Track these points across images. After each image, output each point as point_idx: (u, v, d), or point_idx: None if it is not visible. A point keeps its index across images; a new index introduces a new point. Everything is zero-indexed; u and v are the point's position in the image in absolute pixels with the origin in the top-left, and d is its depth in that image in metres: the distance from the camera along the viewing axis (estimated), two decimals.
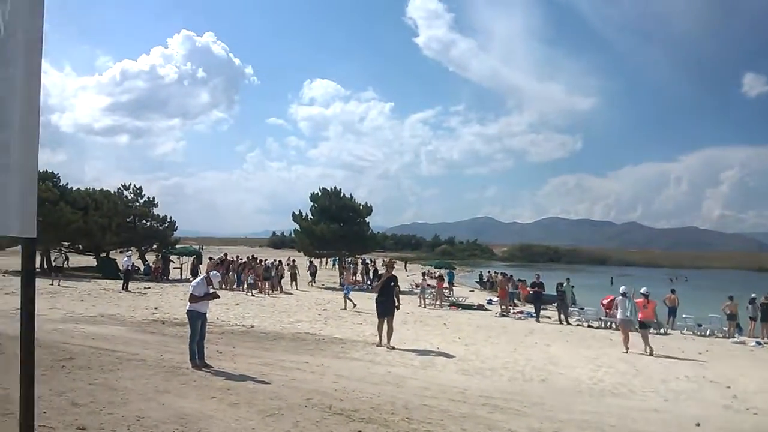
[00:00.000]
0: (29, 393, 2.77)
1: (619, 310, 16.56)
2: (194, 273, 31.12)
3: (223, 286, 28.92)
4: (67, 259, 31.35)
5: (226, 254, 37.69)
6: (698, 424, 8.12)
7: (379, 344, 13.75)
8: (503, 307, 26.68)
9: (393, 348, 13.48)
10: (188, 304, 10.49)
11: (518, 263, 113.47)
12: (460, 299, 31.01)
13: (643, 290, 17.46)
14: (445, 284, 33.51)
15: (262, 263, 32.10)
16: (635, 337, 16.02)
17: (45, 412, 6.56)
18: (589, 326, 23.18)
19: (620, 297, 16.89)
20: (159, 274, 33.73)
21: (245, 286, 29.41)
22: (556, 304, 25.48)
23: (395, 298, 14.09)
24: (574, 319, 24.37)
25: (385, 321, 13.81)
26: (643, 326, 16.19)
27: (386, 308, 13.83)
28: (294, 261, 37.93)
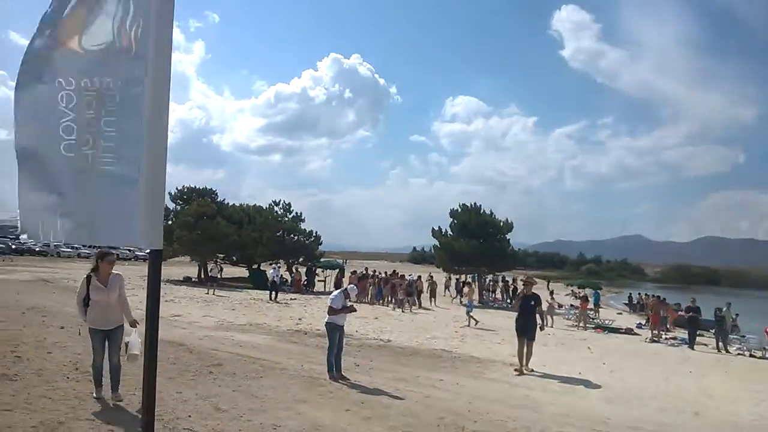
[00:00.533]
0: (150, 399, 2.93)
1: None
2: (337, 286, 32.08)
3: (364, 300, 29.58)
4: (221, 270, 33.52)
5: (366, 269, 38.47)
6: None
7: (519, 370, 12.78)
8: (654, 332, 25.03)
9: (531, 371, 12.78)
10: (327, 316, 10.79)
11: (672, 285, 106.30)
12: (606, 322, 29.51)
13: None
14: (590, 305, 32.06)
15: (404, 279, 32.46)
16: None
17: (190, 416, 6.96)
18: (751, 356, 21.14)
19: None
20: (303, 286, 35.11)
21: (386, 301, 29.87)
22: (713, 331, 23.50)
23: (536, 318, 13.29)
24: (734, 348, 22.33)
25: (525, 343, 12.98)
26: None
27: (525, 329, 12.95)
28: (432, 277, 37.96)
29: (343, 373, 10.45)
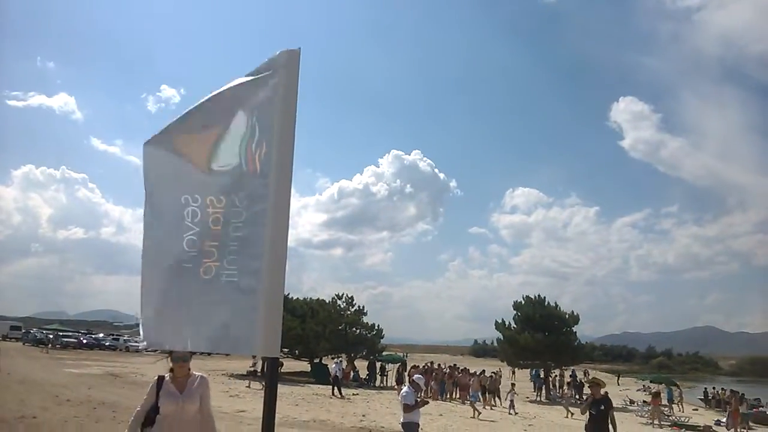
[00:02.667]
0: None
1: None
2: (399, 380, 31.71)
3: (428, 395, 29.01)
4: (281, 365, 33.52)
5: (431, 362, 37.90)
6: None
7: None
8: (733, 429, 23.62)
9: None
10: (403, 415, 10.58)
11: (749, 378, 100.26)
12: (683, 419, 28.00)
13: None
14: (664, 401, 30.56)
15: (469, 373, 31.87)
16: None
17: None
18: None
19: None
20: (360, 380, 34.88)
21: (449, 396, 29.26)
22: None
23: (609, 425, 10.98)
24: None
25: None
26: None
27: None
28: (497, 372, 37.02)
29: None
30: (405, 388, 11.01)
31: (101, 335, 66.61)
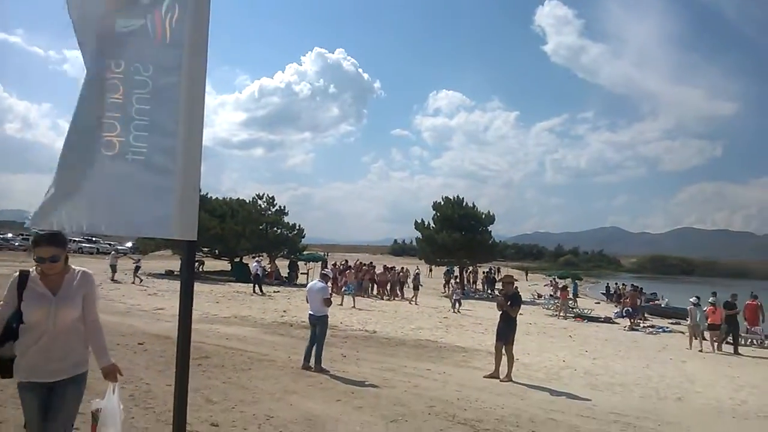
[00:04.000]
0: (183, 389, 2.92)
1: (690, 316, 19.75)
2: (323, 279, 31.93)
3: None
4: (202, 263, 33.25)
5: (346, 261, 38.42)
6: None
7: (492, 375, 11.10)
8: (633, 320, 25.45)
9: (511, 381, 10.81)
10: (320, 308, 10.72)
11: (648, 276, 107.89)
12: (586, 311, 29.90)
13: (711, 299, 20.17)
14: (570, 295, 32.45)
15: (388, 270, 32.64)
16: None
17: None
18: (727, 343, 21.56)
19: (692, 306, 19.87)
20: (283, 278, 35.20)
21: (370, 292, 30.04)
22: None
23: (513, 321, 11.35)
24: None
25: (501, 349, 11.26)
26: (712, 328, 19.02)
27: (500, 333, 11.37)
28: (418, 268, 38.09)
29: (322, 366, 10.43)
30: (318, 282, 11.04)
31: (9, 235, 63.80)
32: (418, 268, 37.98)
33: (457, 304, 25.80)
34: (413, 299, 28.86)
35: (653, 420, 8.51)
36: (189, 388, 7.95)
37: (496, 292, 39.47)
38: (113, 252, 35.06)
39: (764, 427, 8.90)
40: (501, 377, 10.90)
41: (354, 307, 23.64)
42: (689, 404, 10.22)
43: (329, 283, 11.38)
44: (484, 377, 10.98)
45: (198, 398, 7.55)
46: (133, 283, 27.66)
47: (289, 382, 9.12)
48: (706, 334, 19.32)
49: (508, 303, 11.28)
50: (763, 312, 21.28)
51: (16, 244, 56.23)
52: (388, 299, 30.05)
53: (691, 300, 20.75)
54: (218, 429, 6.34)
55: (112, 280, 27.91)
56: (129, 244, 54.16)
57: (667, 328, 24.36)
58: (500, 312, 11.43)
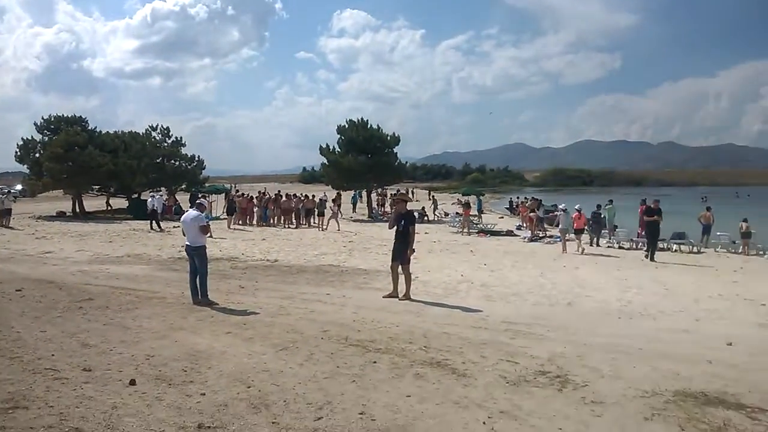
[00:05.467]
0: None
1: (560, 222, 21.48)
2: (230, 211, 30.97)
3: (252, 222, 29.14)
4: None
5: (237, 190, 37.57)
6: (730, 344, 7.77)
7: (391, 295, 11.01)
8: (533, 232, 26.37)
9: (409, 299, 10.78)
10: (198, 238, 10.26)
11: (551, 188, 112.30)
12: (489, 226, 30.66)
13: (576, 206, 21.95)
14: (473, 211, 33.13)
15: (292, 198, 32.13)
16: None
17: (53, 355, 6.51)
18: (620, 248, 22.73)
19: (561, 212, 21.76)
20: (181, 213, 33.89)
21: (276, 221, 29.60)
22: (586, 228, 25.16)
23: (407, 240, 10.87)
24: (605, 241, 23.91)
25: (398, 268, 11.02)
26: (578, 233, 21.30)
27: (394, 252, 11.12)
28: (325, 194, 37.69)
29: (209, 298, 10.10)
30: (192, 211, 10.53)
31: None
32: (325, 194, 37.65)
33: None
34: (322, 226, 28.65)
35: (542, 326, 8.73)
36: (64, 333, 7.51)
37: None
38: (3, 195, 32.76)
39: (644, 324, 9.32)
40: (399, 296, 10.88)
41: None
42: (578, 308, 10.61)
43: (205, 212, 10.83)
44: (383, 297, 10.94)
45: (74, 343, 7.11)
46: (3, 226, 25.96)
47: (176, 318, 8.74)
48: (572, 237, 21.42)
49: (401, 222, 11.04)
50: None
51: None
52: (294, 227, 29.73)
53: (560, 207, 23.36)
54: (91, 374, 5.92)
55: (2, 224, 26.14)
56: (18, 187, 50.91)
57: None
58: (395, 232, 11.22)
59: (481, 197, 40.81)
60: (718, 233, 23.45)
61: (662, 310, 10.35)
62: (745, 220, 22.26)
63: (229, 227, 26.93)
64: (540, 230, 27.40)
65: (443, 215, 39.26)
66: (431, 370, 6.32)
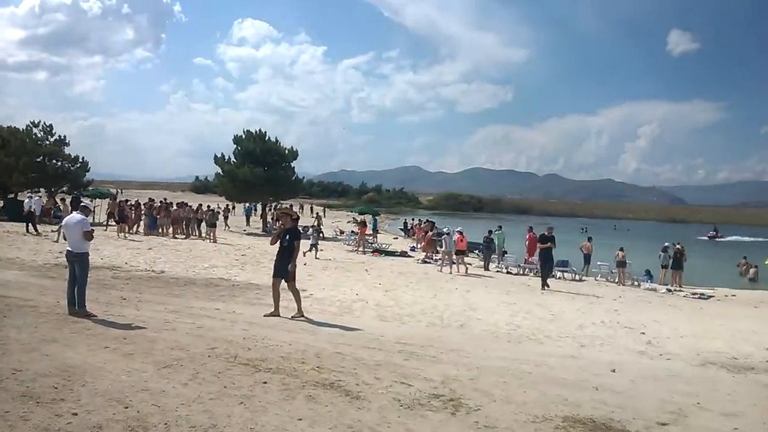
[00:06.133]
0: None
1: (444, 244, 22.90)
2: (111, 216, 29.65)
3: (138, 231, 27.83)
4: None
5: (116, 198, 36.02)
6: (614, 370, 8.08)
7: (272, 313, 10.52)
8: (426, 254, 26.77)
9: (302, 316, 10.54)
10: (81, 245, 9.58)
11: (443, 212, 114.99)
12: (384, 246, 30.86)
13: (458, 229, 23.67)
14: (369, 230, 33.27)
15: (184, 207, 30.98)
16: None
17: None
18: (508, 272, 23.45)
19: (445, 235, 23.29)
20: (61, 217, 31.83)
21: (164, 231, 28.39)
22: (476, 252, 25.88)
23: (292, 256, 10.49)
24: (494, 266, 24.62)
25: (279, 286, 10.65)
26: (460, 253, 22.54)
27: (276, 268, 10.69)
28: (218, 206, 36.68)
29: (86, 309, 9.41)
30: (76, 214, 9.83)
31: None
32: (218, 205, 36.66)
33: (314, 249, 23.71)
34: (209, 238, 27.74)
35: (436, 348, 8.74)
36: None
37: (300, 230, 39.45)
38: None
39: (532, 348, 9.55)
40: (291, 314, 10.56)
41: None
42: (470, 331, 10.75)
43: (90, 217, 10.16)
44: (264, 316, 10.44)
45: None
46: None
47: (49, 330, 8.04)
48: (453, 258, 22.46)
49: (286, 237, 10.59)
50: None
51: None
52: (184, 237, 28.64)
53: (444, 230, 25.40)
54: None
55: None
56: None
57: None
58: (279, 246, 10.69)
59: (377, 217, 41.06)
60: (599, 263, 24.69)
61: (549, 335, 10.67)
62: (621, 249, 23.55)
63: (119, 235, 25.39)
64: (433, 252, 27.83)
65: (339, 233, 39.17)
66: (324, 391, 6.12)
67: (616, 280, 22.94)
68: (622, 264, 23.15)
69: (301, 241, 17.64)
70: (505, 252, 26.14)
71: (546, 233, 20.09)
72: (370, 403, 5.85)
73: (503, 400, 6.27)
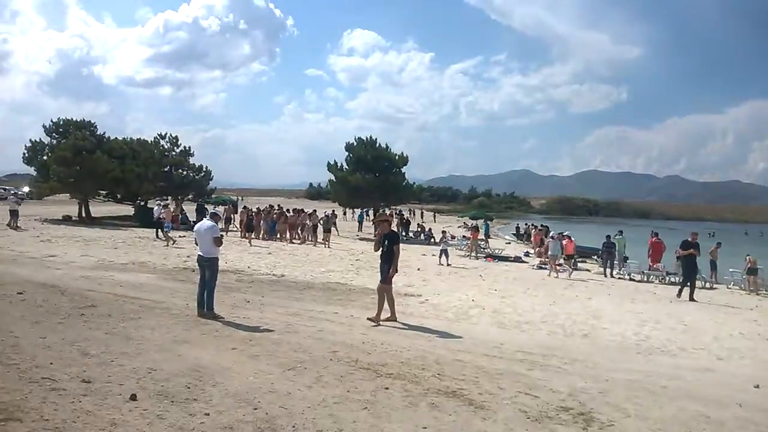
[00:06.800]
0: None
1: (551, 248, 22.47)
2: (228, 221, 31.24)
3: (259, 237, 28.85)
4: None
5: (244, 206, 37.43)
6: (757, 386, 7.41)
7: (373, 319, 10.24)
8: (541, 259, 25.99)
9: (377, 324, 10.08)
10: (211, 250, 9.96)
11: (556, 216, 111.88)
12: (496, 251, 30.31)
13: (566, 233, 24.20)
14: (481, 235, 32.80)
15: (300, 213, 31.87)
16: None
17: (52, 363, 6.20)
18: (630, 279, 22.34)
19: (550, 239, 23.33)
20: (187, 223, 33.61)
21: (282, 237, 29.31)
22: (596, 257, 24.88)
23: (392, 260, 10.37)
24: (615, 272, 23.52)
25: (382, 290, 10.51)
26: (568, 258, 22.96)
27: (383, 274, 10.54)
28: (333, 212, 37.45)
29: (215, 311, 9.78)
30: (207, 221, 10.21)
31: None
32: (334, 211, 37.40)
33: (443, 256, 23.23)
34: (326, 242, 28.35)
35: (560, 358, 8.39)
36: (64, 341, 7.20)
37: (411, 234, 39.59)
38: (11, 196, 32.69)
39: (664, 361, 8.95)
40: (367, 316, 10.40)
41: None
42: (595, 341, 10.23)
43: (220, 224, 10.56)
44: (381, 321, 10.28)
45: (74, 351, 6.81)
46: (12, 227, 25.75)
47: (181, 331, 8.43)
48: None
49: (385, 242, 10.54)
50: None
51: None
52: (300, 243, 29.43)
53: (551, 235, 24.90)
54: (90, 386, 5.61)
55: (10, 226, 25.90)
56: (26, 189, 50.84)
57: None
58: (381, 253, 10.61)
59: (489, 222, 40.45)
60: (731, 269, 23.05)
61: (682, 347, 9.96)
62: (749, 255, 21.83)
63: (250, 243, 26.06)
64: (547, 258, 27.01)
65: (450, 238, 38.88)
66: (447, 399, 5.99)
67: (748, 288, 21.26)
68: (753, 271, 21.46)
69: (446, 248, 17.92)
70: (626, 258, 24.90)
71: (690, 239, 18.32)
72: (495, 414, 5.66)
73: (638, 416, 5.89)
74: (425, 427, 5.18)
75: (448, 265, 22.53)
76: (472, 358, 7.95)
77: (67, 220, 34.32)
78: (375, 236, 11.08)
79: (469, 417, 5.54)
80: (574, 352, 8.99)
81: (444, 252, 23.51)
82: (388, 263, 10.42)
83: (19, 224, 26.80)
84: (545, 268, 24.29)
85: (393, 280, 10.66)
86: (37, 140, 36.71)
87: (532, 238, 29.01)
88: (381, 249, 10.59)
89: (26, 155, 36.40)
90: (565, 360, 8.26)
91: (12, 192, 46.86)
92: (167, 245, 22.38)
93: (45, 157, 35.75)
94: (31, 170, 38.60)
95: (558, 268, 21.94)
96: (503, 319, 11.59)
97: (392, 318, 10.45)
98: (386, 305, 10.51)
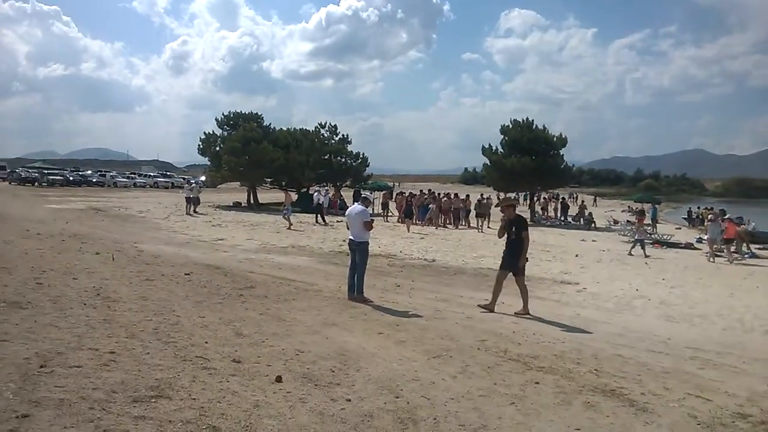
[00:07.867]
0: None
1: (709, 230, 21.68)
2: (385, 207, 31.84)
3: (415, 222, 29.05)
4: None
5: (401, 191, 37.72)
6: None
7: (486, 308, 9.70)
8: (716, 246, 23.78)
9: (526, 315, 9.44)
10: (361, 234, 10.02)
11: (734, 199, 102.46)
12: (665, 237, 28.20)
13: (728, 215, 23.52)
14: (647, 220, 30.70)
15: (452, 198, 31.72)
16: None
17: (206, 342, 6.45)
18: None
19: (710, 222, 22.49)
20: (345, 208, 34.61)
21: (434, 221, 29.30)
22: None
23: (520, 247, 9.65)
24: None
25: (504, 279, 9.82)
26: (727, 242, 21.41)
27: (504, 261, 9.85)
28: (489, 197, 36.91)
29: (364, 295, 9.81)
30: (357, 205, 10.24)
31: (89, 172, 66.24)
32: (489, 196, 36.77)
33: (637, 247, 21.16)
34: (480, 227, 27.93)
35: (737, 356, 7.47)
36: (221, 320, 7.51)
37: (570, 220, 38.01)
38: (187, 185, 35.70)
39: None
40: (515, 311, 9.60)
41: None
42: None
43: (370, 208, 10.60)
44: (479, 308, 9.72)
45: (228, 331, 7.06)
46: (188, 214, 27.84)
47: (330, 313, 8.53)
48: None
49: (512, 229, 9.82)
50: None
51: (94, 180, 58.56)
52: (453, 227, 29.25)
53: (709, 217, 24.51)
54: (239, 366, 5.76)
55: (188, 213, 28.17)
56: (202, 178, 55.19)
57: (750, 254, 22.51)
58: (506, 239, 9.92)
59: (657, 205, 37.73)
60: None
61: None
62: None
63: (408, 230, 26.16)
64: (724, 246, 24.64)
65: (613, 223, 36.83)
66: (604, 399, 5.48)
67: None
68: None
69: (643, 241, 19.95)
70: None
71: None
72: (660, 418, 5.08)
73: None
74: (578, 429, 4.74)
75: (646, 256, 20.51)
76: (634, 353, 7.29)
77: (236, 206, 36.79)
78: (501, 221, 10.42)
79: (629, 420, 5.01)
80: (755, 350, 7.97)
81: (640, 242, 21.31)
82: (515, 252, 9.70)
83: (197, 210, 29.12)
84: (721, 256, 22.21)
85: (525, 268, 9.95)
86: (210, 132, 39.68)
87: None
88: (507, 236, 9.90)
89: (201, 147, 39.55)
90: (744, 359, 7.33)
91: (191, 181, 51.01)
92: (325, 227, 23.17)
93: (217, 148, 38.58)
94: (206, 160, 41.88)
95: (727, 253, 20.87)
96: (671, 312, 10.62)
97: (524, 311, 9.58)
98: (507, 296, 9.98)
